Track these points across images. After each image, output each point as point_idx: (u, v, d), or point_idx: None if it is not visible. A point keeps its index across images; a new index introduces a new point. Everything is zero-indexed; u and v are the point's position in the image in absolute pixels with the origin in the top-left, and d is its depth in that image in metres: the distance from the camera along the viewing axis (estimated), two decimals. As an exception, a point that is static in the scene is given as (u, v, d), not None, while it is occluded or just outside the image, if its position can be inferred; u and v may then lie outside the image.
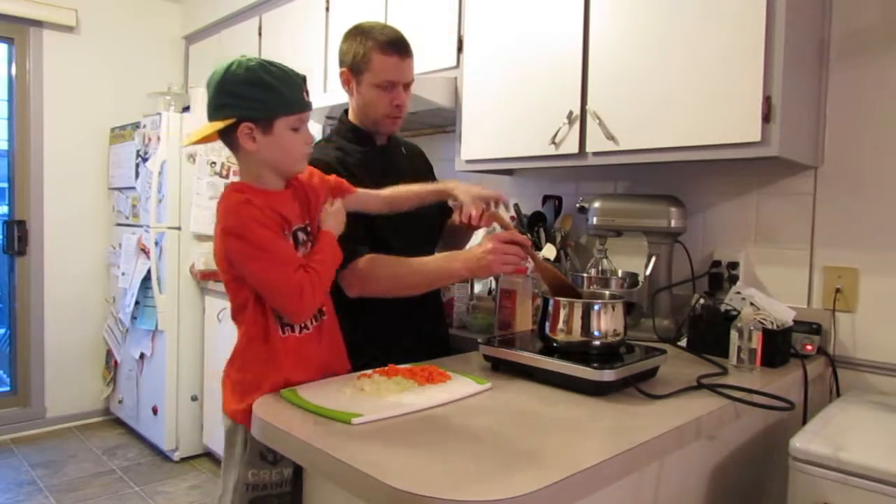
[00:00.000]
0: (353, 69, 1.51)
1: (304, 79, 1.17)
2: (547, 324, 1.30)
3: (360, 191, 1.38)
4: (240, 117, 1.11)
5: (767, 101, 1.46)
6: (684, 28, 1.60)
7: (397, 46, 1.49)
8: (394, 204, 1.42)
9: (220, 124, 1.12)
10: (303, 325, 1.23)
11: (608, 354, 1.26)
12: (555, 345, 1.29)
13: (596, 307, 1.26)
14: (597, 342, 1.25)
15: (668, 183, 2.00)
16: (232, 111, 1.11)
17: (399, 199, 1.42)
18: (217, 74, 1.12)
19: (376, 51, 1.47)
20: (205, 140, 1.18)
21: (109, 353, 3.73)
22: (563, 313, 1.27)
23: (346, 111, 1.62)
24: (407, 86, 1.54)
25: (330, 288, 1.25)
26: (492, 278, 2.11)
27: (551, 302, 1.30)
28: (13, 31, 3.51)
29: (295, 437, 0.94)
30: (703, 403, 1.16)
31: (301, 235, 1.22)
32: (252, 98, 1.10)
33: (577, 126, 1.84)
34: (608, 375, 1.16)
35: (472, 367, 1.37)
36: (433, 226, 1.69)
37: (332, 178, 1.33)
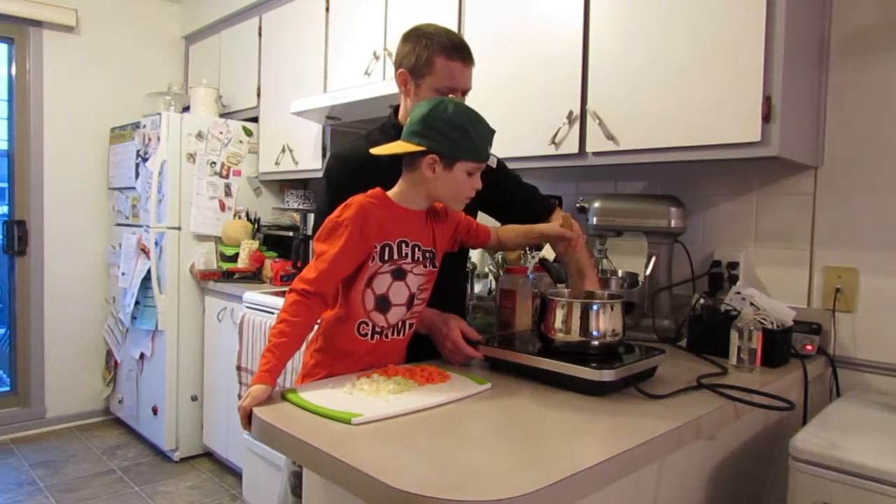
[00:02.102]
0: (413, 71, 1.47)
1: (493, 132, 1.27)
2: (546, 324, 1.30)
3: (493, 236, 1.47)
4: (430, 149, 1.20)
5: (767, 101, 1.46)
6: (684, 28, 1.61)
7: (462, 52, 1.47)
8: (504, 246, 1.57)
9: (411, 148, 1.21)
10: (380, 331, 1.28)
11: (607, 354, 1.26)
12: (554, 345, 1.29)
13: (594, 307, 1.26)
14: (596, 342, 1.25)
15: (668, 183, 2.00)
16: (425, 141, 1.21)
17: (509, 244, 1.54)
18: (424, 107, 1.23)
19: (441, 55, 1.45)
20: (392, 154, 1.27)
21: (109, 353, 3.73)
22: (561, 313, 1.27)
23: (395, 110, 1.58)
24: (465, 93, 1.51)
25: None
26: (492, 279, 2.11)
27: (549, 302, 1.30)
28: (13, 31, 3.51)
29: (295, 437, 0.94)
30: (703, 403, 1.16)
31: (417, 253, 1.28)
32: (447, 136, 1.20)
33: (577, 126, 1.84)
34: (607, 375, 1.16)
35: (471, 367, 1.37)
36: None
37: (463, 216, 1.41)
